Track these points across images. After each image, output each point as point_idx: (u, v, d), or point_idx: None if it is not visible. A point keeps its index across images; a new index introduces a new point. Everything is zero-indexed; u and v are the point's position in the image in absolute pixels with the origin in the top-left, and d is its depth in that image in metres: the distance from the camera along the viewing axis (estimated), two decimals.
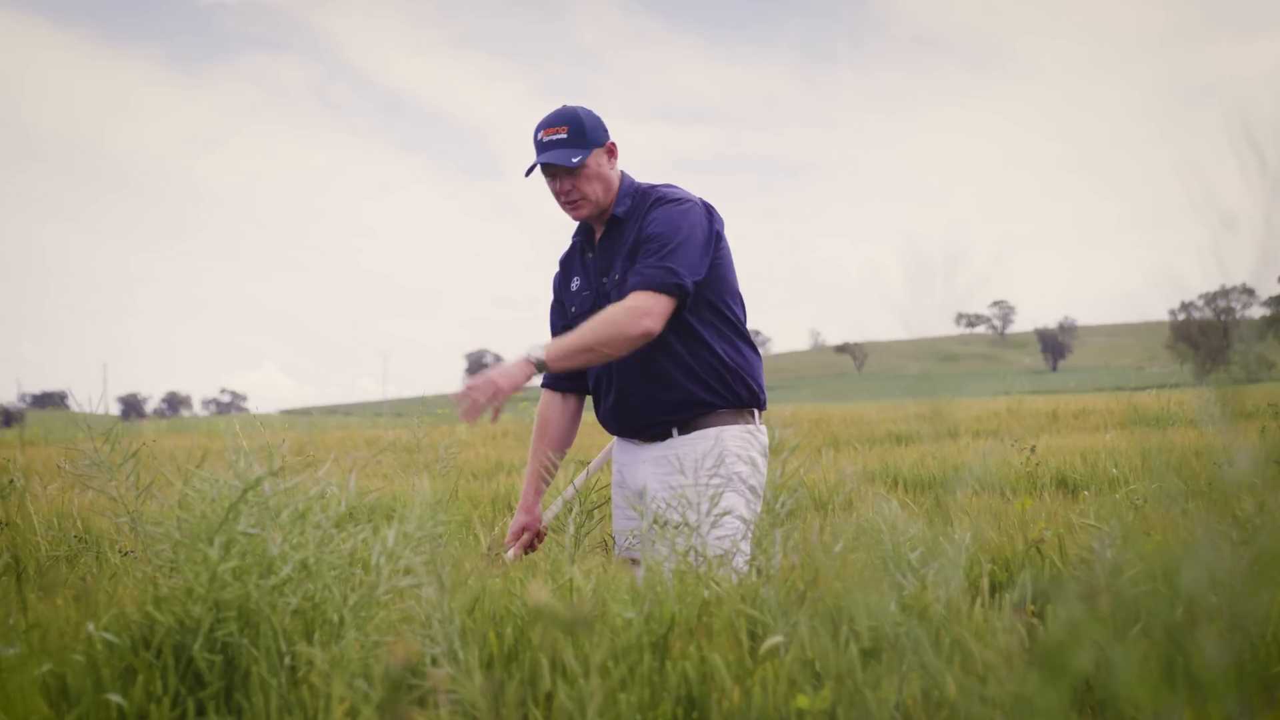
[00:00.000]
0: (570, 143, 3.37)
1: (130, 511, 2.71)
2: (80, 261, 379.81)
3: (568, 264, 3.69)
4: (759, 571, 2.44)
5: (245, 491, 2.07)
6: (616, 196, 3.48)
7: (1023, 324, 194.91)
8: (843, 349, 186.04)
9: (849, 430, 14.58)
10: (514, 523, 3.65)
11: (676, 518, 2.52)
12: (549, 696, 1.94)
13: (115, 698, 1.93)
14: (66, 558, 4.26)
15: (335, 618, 2.04)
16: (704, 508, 2.70)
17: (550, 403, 3.70)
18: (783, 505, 2.40)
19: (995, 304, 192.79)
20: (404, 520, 2.12)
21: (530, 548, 3.64)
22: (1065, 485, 7.46)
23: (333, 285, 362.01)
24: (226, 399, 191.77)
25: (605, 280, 3.47)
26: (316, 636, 2.03)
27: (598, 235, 3.54)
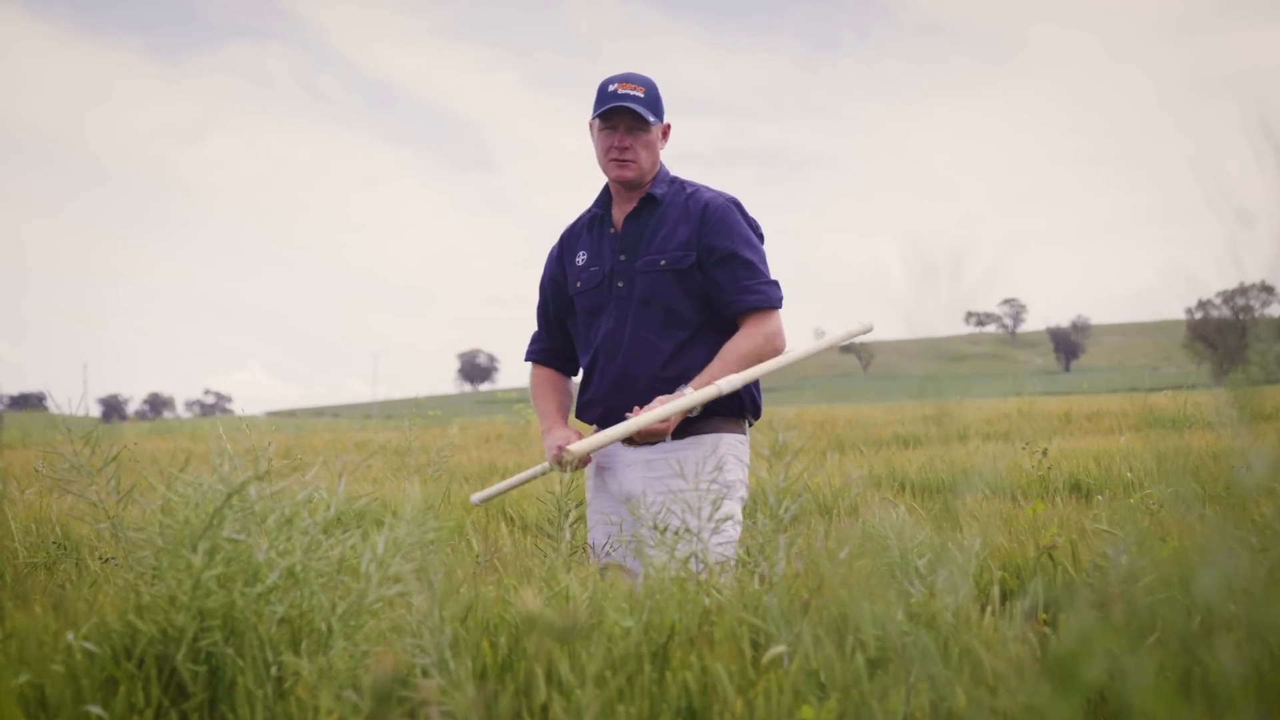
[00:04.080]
0: (646, 103, 3.45)
1: (111, 517, 2.71)
2: (60, 258, 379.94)
3: (571, 239, 3.72)
4: (761, 579, 2.44)
5: (230, 496, 2.07)
6: (655, 177, 3.59)
7: (1034, 323, 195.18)
8: (848, 349, 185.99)
9: (854, 433, 14.59)
10: (552, 440, 3.47)
11: (677, 522, 2.54)
12: (544, 708, 1.94)
13: (96, 709, 1.93)
14: (45, 564, 4.25)
15: (323, 627, 2.04)
16: (705, 513, 2.70)
17: (548, 372, 3.81)
18: (786, 510, 2.40)
19: (1006, 302, 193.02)
20: (394, 526, 2.12)
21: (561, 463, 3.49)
22: (1078, 489, 7.46)
23: (320, 282, 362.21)
24: (210, 400, 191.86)
25: (624, 258, 3.52)
26: (304, 646, 2.03)
27: (624, 209, 3.58)
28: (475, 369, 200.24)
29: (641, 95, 3.44)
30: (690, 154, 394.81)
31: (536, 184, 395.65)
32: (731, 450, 3.47)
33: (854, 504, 6.52)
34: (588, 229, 3.67)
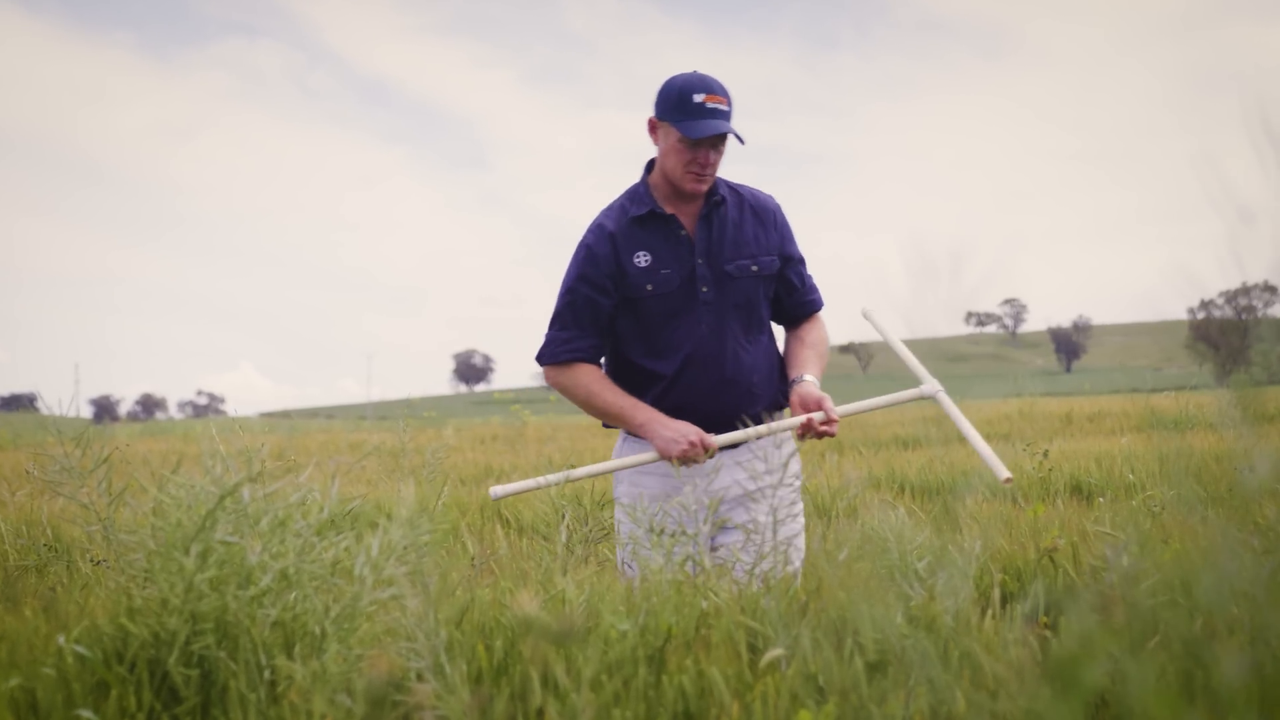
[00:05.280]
0: (729, 116, 3.42)
1: (102, 519, 2.71)
2: (53, 258, 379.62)
3: (626, 239, 3.56)
4: (760, 581, 2.44)
5: (223, 498, 2.07)
6: None
7: (1035, 323, 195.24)
8: (847, 349, 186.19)
9: (853, 433, 14.60)
10: (678, 430, 3.36)
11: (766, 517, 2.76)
12: (539, 712, 1.94)
13: (87, 713, 1.93)
14: (36, 567, 4.25)
15: (316, 630, 2.04)
16: (799, 507, 3.33)
17: (599, 370, 3.66)
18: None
19: (1006, 302, 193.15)
20: (389, 528, 2.12)
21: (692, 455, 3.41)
22: (1079, 491, 7.46)
23: (313, 282, 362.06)
24: (203, 401, 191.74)
25: (703, 262, 3.48)
26: (297, 650, 2.03)
27: (689, 211, 3.54)
28: (471, 370, 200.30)
29: (728, 108, 3.40)
30: None
31: (532, 182, 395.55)
32: (792, 444, 3.55)
33: (853, 505, 6.52)
34: (641, 228, 3.54)
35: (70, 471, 2.71)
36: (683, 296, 3.48)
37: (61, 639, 2.03)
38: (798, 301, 3.67)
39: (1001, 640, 2.11)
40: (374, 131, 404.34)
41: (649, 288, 3.49)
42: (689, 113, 3.36)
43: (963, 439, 3.43)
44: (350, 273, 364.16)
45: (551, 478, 3.43)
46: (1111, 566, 2.46)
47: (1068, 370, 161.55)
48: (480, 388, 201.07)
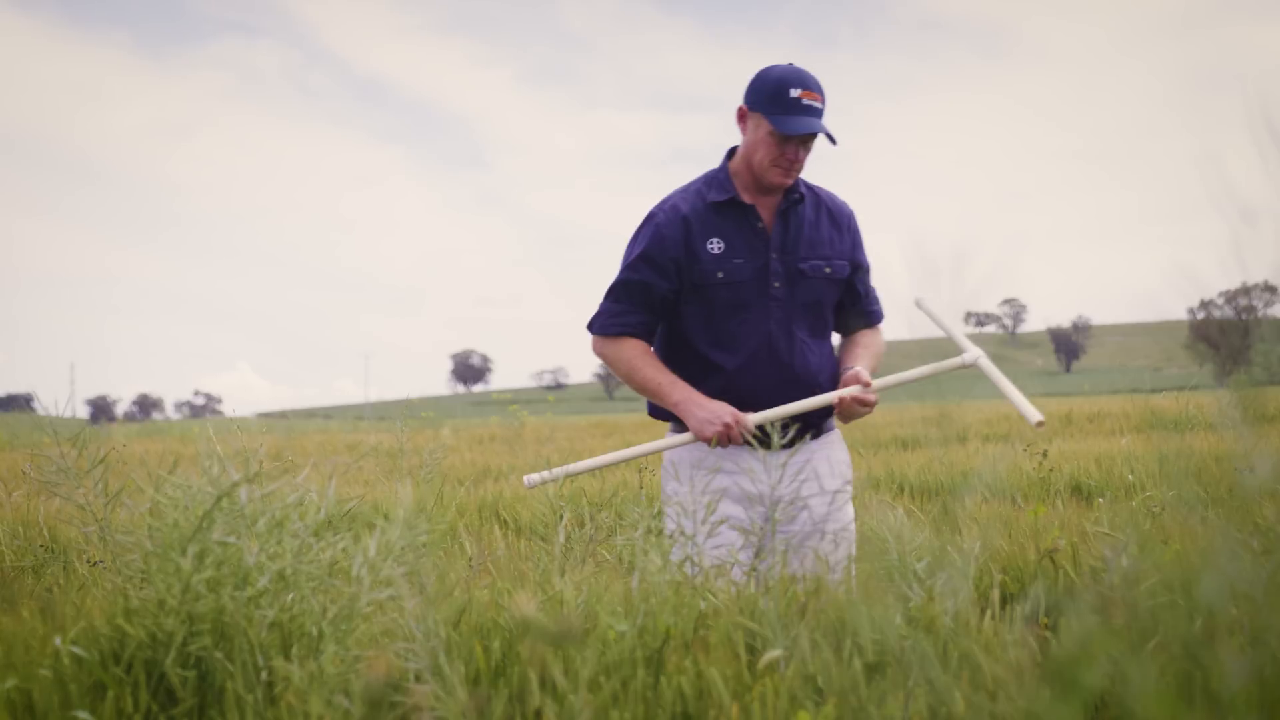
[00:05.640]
0: (823, 114, 3.37)
1: (99, 520, 2.71)
2: (50, 258, 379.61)
3: (700, 223, 3.48)
4: (758, 582, 2.44)
5: (220, 499, 2.07)
6: None
7: (1034, 323, 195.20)
8: None
9: (852, 434, 14.59)
10: (713, 410, 3.33)
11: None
12: (537, 714, 1.94)
13: (84, 715, 1.93)
14: (32, 568, 4.25)
15: (314, 631, 2.04)
16: (850, 511, 3.49)
17: (646, 345, 3.59)
18: (784, 513, 2.40)
19: (1006, 302, 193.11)
20: (386, 529, 2.12)
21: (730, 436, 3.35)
22: (1079, 492, 7.47)
23: (310, 282, 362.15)
24: (200, 402, 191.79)
25: (776, 258, 3.45)
26: (294, 651, 2.03)
27: (768, 204, 3.50)
28: (468, 370, 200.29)
29: (822, 106, 3.36)
30: (687, 151, 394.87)
31: (529, 182, 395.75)
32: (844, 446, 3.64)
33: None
34: (717, 214, 3.48)
35: (67, 472, 2.71)
36: (753, 289, 3.44)
37: (58, 640, 2.03)
38: (860, 310, 3.65)
39: (1001, 641, 2.11)
40: (371, 131, 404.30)
41: (720, 275, 3.44)
42: (784, 107, 3.32)
43: (1001, 396, 3.43)
44: (348, 273, 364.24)
45: (592, 462, 3.45)
46: (1111, 567, 2.46)
47: (1067, 370, 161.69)
48: (478, 388, 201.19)
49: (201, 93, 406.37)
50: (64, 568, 4.12)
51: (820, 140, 3.36)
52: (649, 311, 3.50)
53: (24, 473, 6.99)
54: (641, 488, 6.13)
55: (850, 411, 3.37)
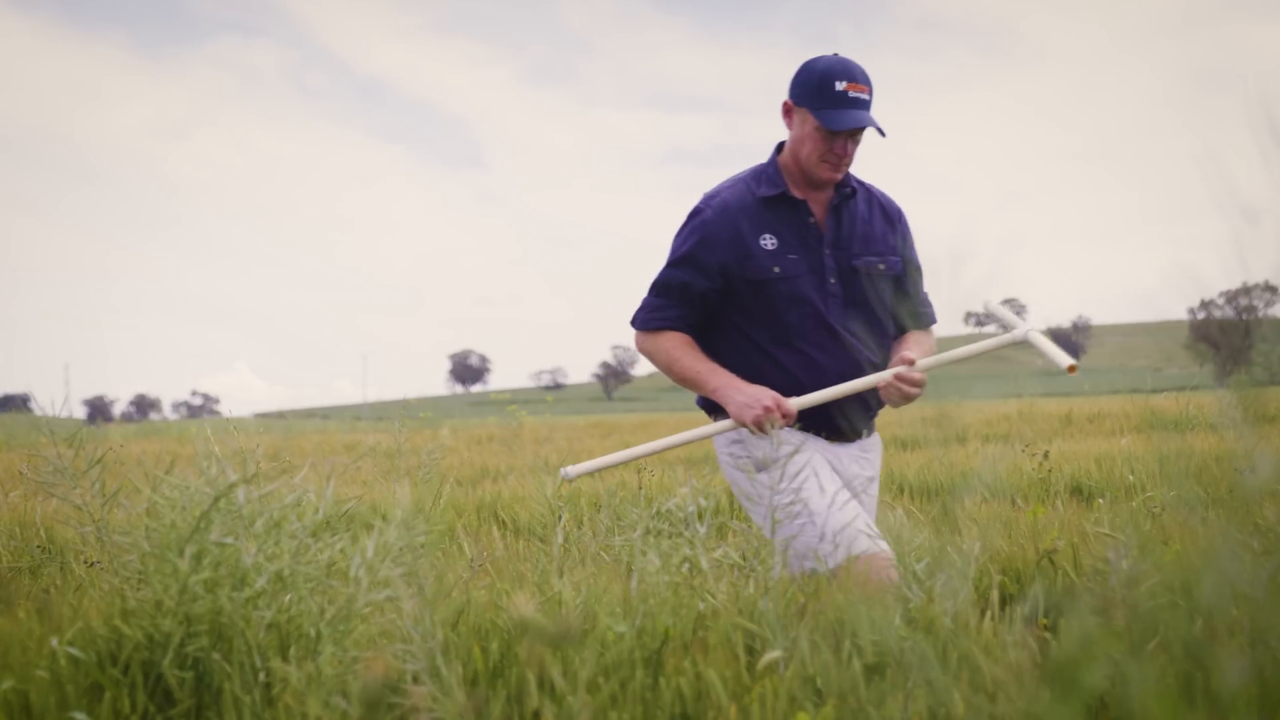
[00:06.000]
0: (870, 105, 3.29)
1: (96, 520, 2.70)
2: (49, 258, 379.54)
3: (751, 219, 3.41)
4: (756, 583, 2.44)
5: (217, 499, 2.07)
6: None
7: (1035, 323, 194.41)
8: None
9: None
10: (754, 394, 3.24)
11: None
12: (536, 715, 1.94)
13: (81, 716, 1.93)
14: (29, 569, 4.25)
15: (311, 632, 2.04)
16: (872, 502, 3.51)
17: (689, 338, 3.52)
18: (783, 514, 2.40)
19: (1006, 302, 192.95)
20: (384, 529, 2.12)
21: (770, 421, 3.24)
22: (1079, 492, 7.46)
23: (309, 282, 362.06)
24: (198, 402, 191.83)
25: (830, 254, 3.39)
26: (292, 652, 2.03)
27: (820, 199, 3.44)
28: (467, 370, 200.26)
29: (869, 97, 3.27)
30: (686, 152, 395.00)
31: (528, 182, 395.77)
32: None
33: None
34: (767, 210, 3.40)
35: (63, 473, 2.70)
36: (810, 284, 3.38)
37: (55, 641, 2.03)
38: (910, 311, 3.58)
39: (1001, 642, 2.11)
40: (370, 131, 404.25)
41: (776, 270, 3.37)
42: (829, 100, 3.25)
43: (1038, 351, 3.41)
44: (346, 272, 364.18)
45: (628, 453, 3.40)
46: (1111, 568, 2.46)
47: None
48: (477, 388, 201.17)
49: (199, 92, 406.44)
50: (61, 568, 4.11)
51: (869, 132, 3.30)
52: (689, 306, 3.44)
53: (21, 473, 6.99)
54: (641, 488, 6.13)
55: (896, 395, 3.27)
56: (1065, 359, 3.24)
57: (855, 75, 3.24)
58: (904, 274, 3.54)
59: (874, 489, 3.55)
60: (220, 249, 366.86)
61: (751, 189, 3.44)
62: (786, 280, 3.36)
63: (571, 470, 3.36)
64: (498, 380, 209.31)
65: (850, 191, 3.43)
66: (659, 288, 3.49)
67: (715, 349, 3.49)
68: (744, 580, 2.38)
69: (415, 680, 1.95)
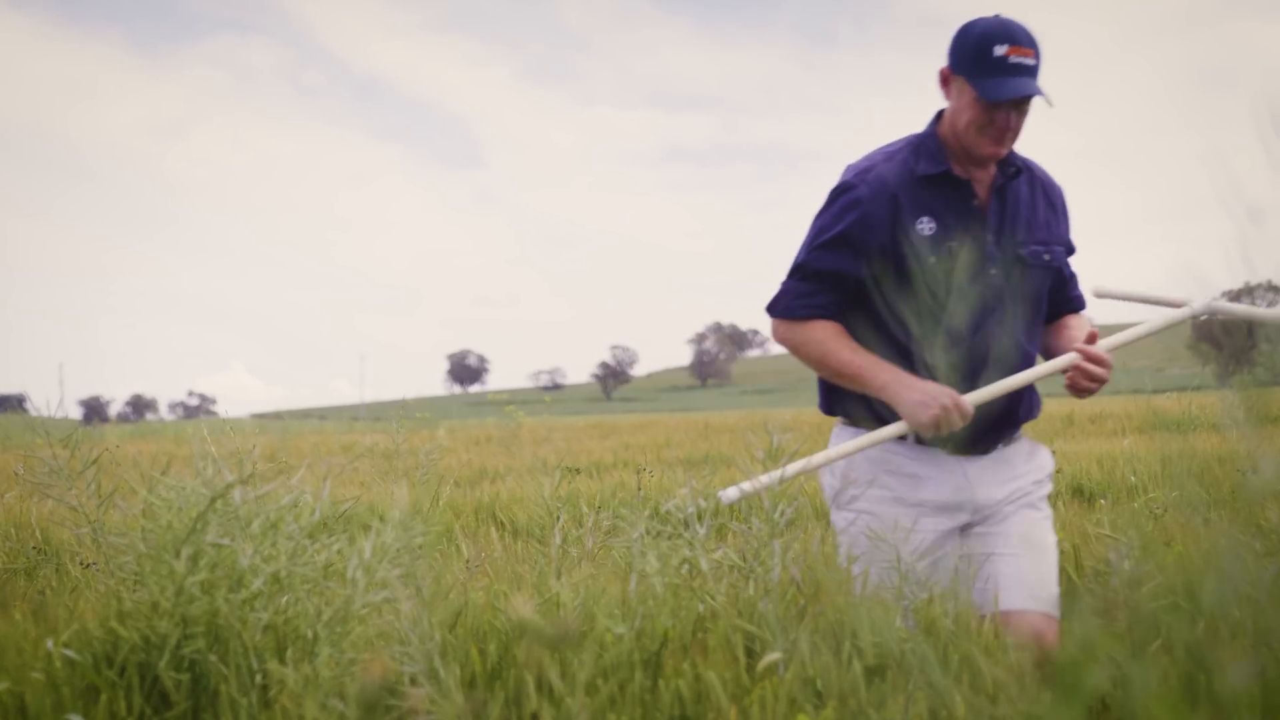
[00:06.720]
0: (1036, 72, 2.94)
1: (92, 521, 2.71)
2: (45, 257, 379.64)
3: (911, 199, 3.06)
4: (756, 585, 2.44)
5: (214, 500, 2.07)
6: None
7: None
8: None
9: None
10: (936, 391, 2.88)
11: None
12: (534, 717, 1.94)
13: (76, 718, 1.93)
14: (24, 570, 4.25)
15: (308, 634, 2.04)
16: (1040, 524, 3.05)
17: (841, 327, 3.12)
18: (782, 514, 2.40)
19: None
20: (381, 530, 2.12)
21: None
22: (1081, 493, 7.46)
23: (306, 281, 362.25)
24: (194, 402, 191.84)
25: (992, 240, 3.05)
26: (289, 654, 2.03)
27: (983, 177, 3.09)
28: (465, 370, 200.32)
29: (1035, 63, 2.93)
30: (685, 150, 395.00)
31: (527, 180, 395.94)
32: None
33: None
34: (927, 189, 3.05)
35: (59, 474, 2.70)
36: (968, 276, 3.03)
37: (50, 643, 2.03)
38: (1064, 298, 3.27)
39: (1002, 644, 2.11)
40: (367, 129, 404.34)
41: (932, 260, 3.01)
42: (988, 68, 2.91)
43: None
44: (343, 272, 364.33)
45: (788, 469, 2.76)
46: (1113, 569, 2.46)
47: None
48: (475, 388, 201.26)
49: (195, 91, 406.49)
50: (57, 570, 4.11)
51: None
52: (841, 293, 3.08)
53: (16, 474, 6.98)
54: (640, 489, 6.13)
55: (1082, 380, 2.97)
56: (1274, 312, 3.01)
57: (1018, 38, 2.91)
58: (1065, 262, 3.23)
59: (1016, 513, 3.07)
60: (217, 248, 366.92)
61: (910, 165, 3.08)
62: (942, 273, 3.02)
63: (731, 493, 2.90)
64: (496, 380, 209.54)
65: (1015, 170, 3.10)
66: (805, 272, 3.10)
67: None
68: (743, 582, 2.38)
69: (413, 682, 1.95)
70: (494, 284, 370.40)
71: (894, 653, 1.97)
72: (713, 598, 2.27)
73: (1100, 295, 3.28)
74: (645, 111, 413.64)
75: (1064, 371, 2.98)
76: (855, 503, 3.05)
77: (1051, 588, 2.91)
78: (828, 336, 3.05)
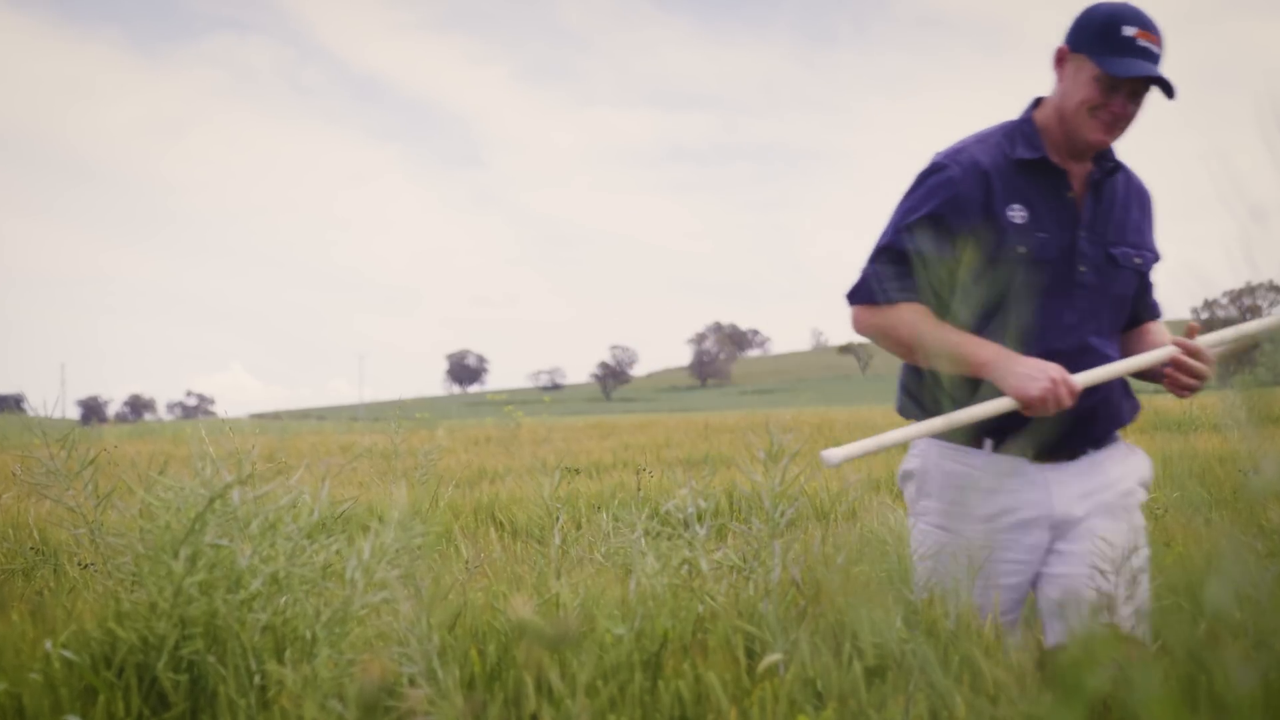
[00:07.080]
0: (1160, 62, 2.85)
1: (90, 522, 2.71)
2: (43, 257, 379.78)
3: (1004, 184, 2.94)
4: (756, 586, 2.44)
5: (212, 500, 2.07)
6: None
7: None
8: (846, 350, 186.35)
9: (852, 435, 14.59)
10: (1044, 365, 2.73)
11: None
12: (534, 718, 1.94)
13: (74, 719, 1.93)
14: (22, 571, 4.25)
15: (307, 634, 2.04)
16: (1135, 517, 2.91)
17: (923, 307, 2.93)
18: (782, 515, 2.40)
19: None
20: (380, 531, 2.12)
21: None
22: None
23: (305, 281, 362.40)
24: (193, 402, 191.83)
25: (1085, 236, 2.92)
26: (287, 654, 2.03)
27: (1080, 170, 2.98)
28: (464, 370, 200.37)
29: (1159, 50, 2.84)
30: (685, 150, 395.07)
31: (526, 180, 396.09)
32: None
33: (852, 508, 6.52)
34: (1021, 175, 2.94)
35: (57, 474, 2.70)
36: (1058, 272, 2.90)
37: (48, 644, 2.03)
38: (1145, 304, 3.13)
39: (1002, 645, 2.11)
40: (367, 129, 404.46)
41: (1021, 250, 2.87)
42: (1115, 47, 2.81)
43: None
44: (343, 272, 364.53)
45: (891, 435, 2.79)
46: (1114, 570, 2.46)
47: None
48: (474, 389, 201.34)
49: (194, 90, 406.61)
50: (54, 570, 4.11)
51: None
52: (925, 276, 2.92)
53: (13, 474, 6.99)
54: (639, 489, 6.13)
55: (1180, 380, 2.86)
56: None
57: (1147, 23, 2.83)
58: (1151, 268, 3.11)
59: (1094, 527, 2.88)
60: (216, 248, 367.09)
61: (1004, 149, 2.96)
62: (1032, 264, 2.87)
63: (834, 455, 2.73)
64: (495, 381, 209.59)
65: (1112, 167, 2.99)
66: (891, 254, 2.95)
67: None
68: (744, 582, 2.38)
69: (412, 683, 1.95)
70: (493, 284, 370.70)
71: (894, 653, 1.97)
72: (713, 598, 2.27)
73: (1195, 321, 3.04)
74: (645, 111, 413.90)
75: (1162, 366, 2.87)
76: (927, 515, 2.97)
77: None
78: (920, 318, 2.89)
